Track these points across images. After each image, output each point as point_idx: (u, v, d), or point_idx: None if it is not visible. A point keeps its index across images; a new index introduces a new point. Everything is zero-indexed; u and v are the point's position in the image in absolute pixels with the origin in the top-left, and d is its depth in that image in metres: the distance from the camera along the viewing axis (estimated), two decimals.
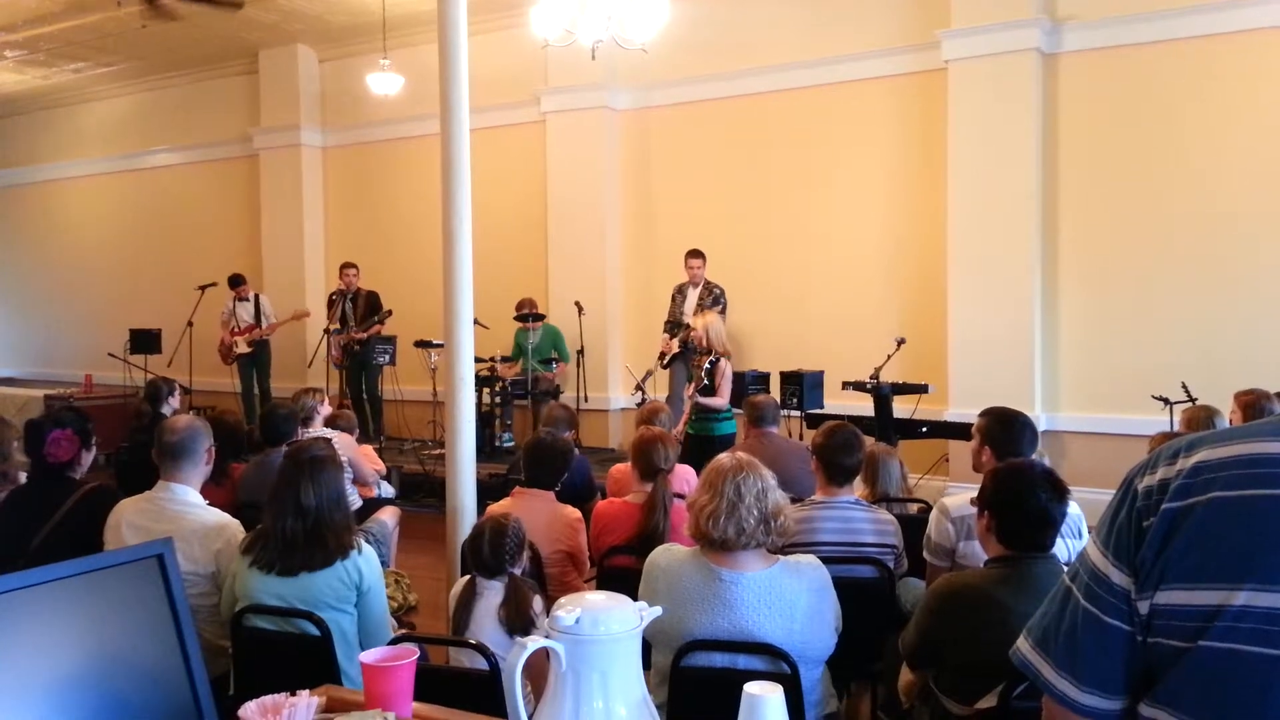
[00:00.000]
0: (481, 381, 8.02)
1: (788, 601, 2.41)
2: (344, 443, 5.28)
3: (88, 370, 11.56)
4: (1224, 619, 1.07)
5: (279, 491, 2.95)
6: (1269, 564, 1.06)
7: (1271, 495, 1.08)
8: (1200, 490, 1.11)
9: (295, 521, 2.89)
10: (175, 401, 6.39)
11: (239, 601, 2.91)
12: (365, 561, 2.95)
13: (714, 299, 7.91)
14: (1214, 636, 1.07)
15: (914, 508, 4.40)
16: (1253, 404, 4.69)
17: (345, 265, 9.57)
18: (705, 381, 6.31)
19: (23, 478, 3.79)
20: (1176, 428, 5.40)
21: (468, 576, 3.01)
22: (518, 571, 2.98)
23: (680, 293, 8.19)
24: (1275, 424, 1.15)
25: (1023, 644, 1.26)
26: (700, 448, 6.21)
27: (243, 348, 9.96)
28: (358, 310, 9.42)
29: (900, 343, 6.85)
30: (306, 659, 2.78)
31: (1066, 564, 2.55)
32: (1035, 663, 1.23)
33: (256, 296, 10.14)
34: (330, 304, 9.68)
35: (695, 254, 8.05)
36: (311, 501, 2.90)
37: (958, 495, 3.38)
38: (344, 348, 9.38)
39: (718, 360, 6.39)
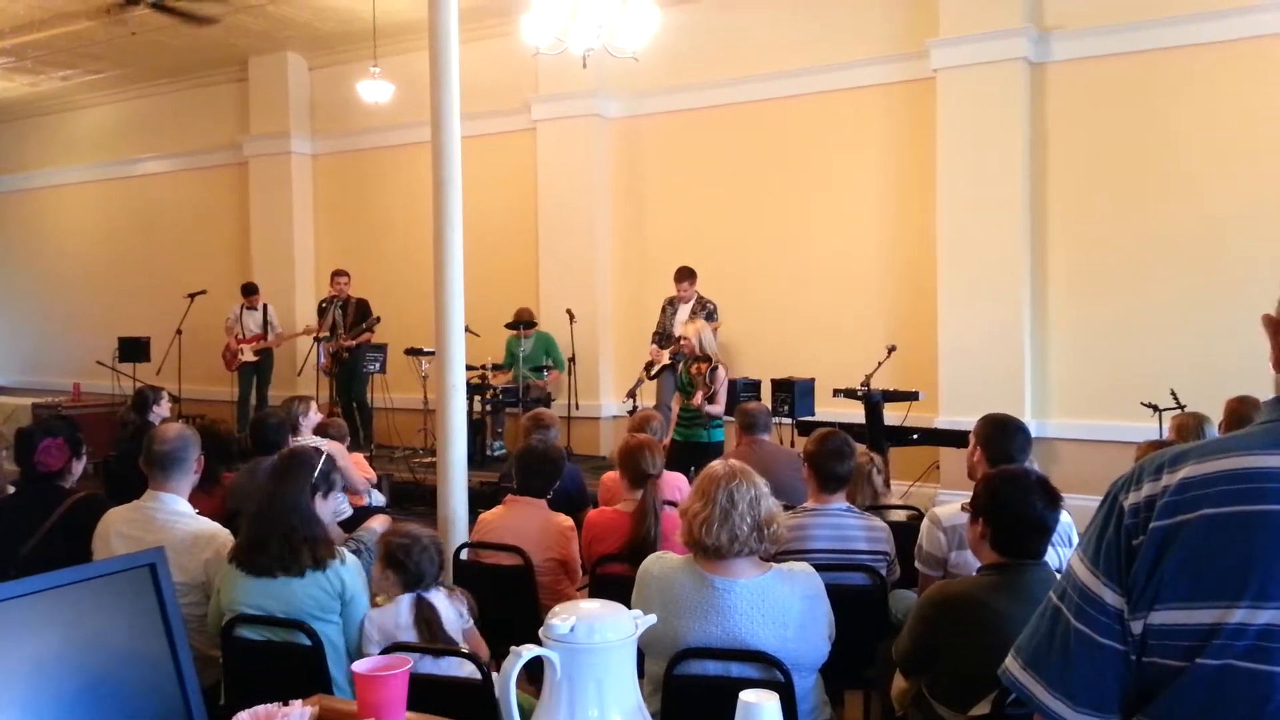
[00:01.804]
0: (473, 389, 8.00)
1: (781, 609, 2.41)
2: (335, 451, 5.26)
3: (76, 378, 11.47)
4: (1220, 637, 1.07)
5: (256, 496, 3.01)
6: (1264, 580, 1.06)
7: (1264, 511, 1.07)
8: (1189, 507, 1.11)
9: (269, 526, 2.91)
10: (163, 409, 6.37)
11: (225, 611, 2.91)
12: (348, 571, 2.95)
13: (707, 314, 7.87)
14: (1210, 654, 1.07)
15: (903, 515, 4.40)
16: (1241, 411, 4.70)
17: (336, 272, 9.55)
18: (712, 387, 6.34)
19: (11, 489, 3.77)
20: (1166, 435, 5.41)
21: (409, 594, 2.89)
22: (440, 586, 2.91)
23: (671, 305, 8.16)
24: (1260, 436, 1.14)
25: (1012, 664, 1.26)
26: (689, 454, 6.22)
27: (248, 356, 9.93)
28: (348, 317, 9.38)
29: (891, 350, 6.89)
30: (298, 668, 2.77)
31: (1058, 570, 2.56)
32: (1027, 684, 1.22)
33: (265, 306, 10.10)
34: (321, 311, 9.64)
35: (686, 274, 7.96)
36: (287, 507, 2.92)
37: (949, 504, 3.39)
38: (333, 355, 9.35)
39: (716, 367, 6.41)
